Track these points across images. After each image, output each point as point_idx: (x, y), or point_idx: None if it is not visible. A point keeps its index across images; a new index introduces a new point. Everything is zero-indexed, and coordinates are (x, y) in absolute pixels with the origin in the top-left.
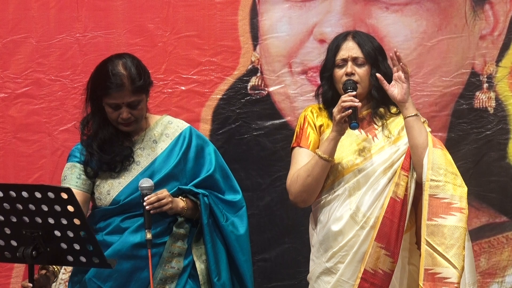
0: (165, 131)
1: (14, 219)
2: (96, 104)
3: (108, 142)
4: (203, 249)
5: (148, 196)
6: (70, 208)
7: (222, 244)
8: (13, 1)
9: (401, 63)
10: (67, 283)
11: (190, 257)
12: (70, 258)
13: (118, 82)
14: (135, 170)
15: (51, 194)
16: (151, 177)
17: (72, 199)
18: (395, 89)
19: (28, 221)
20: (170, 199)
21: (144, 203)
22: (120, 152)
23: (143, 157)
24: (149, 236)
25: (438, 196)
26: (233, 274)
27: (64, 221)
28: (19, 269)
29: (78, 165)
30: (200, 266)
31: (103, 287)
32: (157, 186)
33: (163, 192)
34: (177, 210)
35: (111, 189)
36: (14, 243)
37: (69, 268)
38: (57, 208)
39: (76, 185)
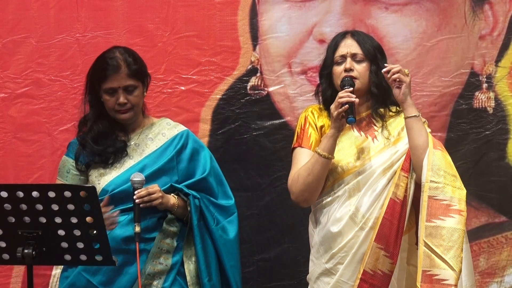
0: (162, 131)
1: (12, 220)
2: (94, 97)
3: (102, 134)
4: (193, 250)
5: (139, 190)
6: (87, 206)
7: (212, 247)
8: (13, 1)
9: (398, 72)
10: None
11: (178, 256)
12: (68, 257)
13: (114, 64)
14: (127, 163)
15: (67, 193)
16: (142, 171)
17: (92, 197)
18: (396, 89)
19: (28, 221)
20: (160, 194)
21: (134, 197)
22: (112, 144)
23: (137, 152)
24: (137, 229)
25: (438, 198)
26: (222, 277)
27: (74, 220)
28: (19, 268)
29: (70, 160)
30: (189, 266)
31: (92, 281)
32: (148, 180)
33: (154, 187)
34: (167, 206)
35: (101, 179)
36: (4, 244)
37: None
38: (70, 207)
39: (66, 180)
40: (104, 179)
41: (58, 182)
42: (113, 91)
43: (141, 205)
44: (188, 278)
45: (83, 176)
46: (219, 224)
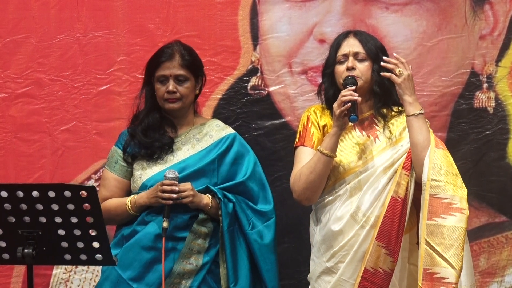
0: (210, 132)
1: (12, 220)
2: (149, 90)
3: (152, 127)
4: None
5: (166, 182)
6: (87, 206)
7: (245, 251)
8: (13, 1)
9: (392, 68)
10: (67, 283)
11: (209, 256)
12: (68, 256)
13: (169, 52)
14: (170, 161)
15: (67, 193)
16: (183, 170)
17: (92, 197)
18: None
19: (29, 221)
20: (192, 192)
21: (161, 187)
22: (160, 139)
23: (182, 151)
24: (165, 224)
25: (439, 196)
26: (257, 282)
27: (74, 220)
28: (19, 268)
29: (118, 150)
30: (223, 270)
31: (122, 275)
32: (186, 179)
33: (186, 185)
34: (199, 205)
35: (143, 173)
36: (4, 244)
37: (69, 268)
38: (71, 206)
39: (113, 170)
40: (145, 174)
41: (105, 171)
42: (164, 78)
43: (170, 202)
44: (222, 281)
45: (130, 168)
46: (255, 228)
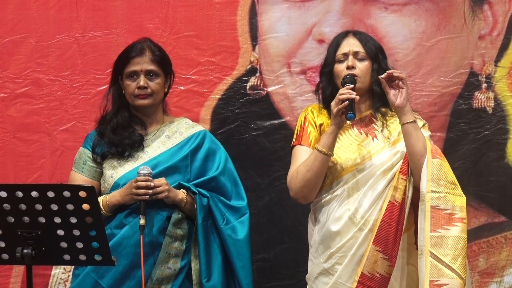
0: (180, 129)
1: (11, 220)
2: (116, 89)
3: (121, 126)
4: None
5: (141, 178)
6: (86, 206)
7: (219, 247)
8: (13, 1)
9: (396, 75)
10: (66, 283)
11: (187, 258)
12: (67, 257)
13: (139, 47)
14: (142, 158)
15: (66, 193)
16: (155, 167)
17: (91, 197)
18: (393, 96)
19: (28, 221)
20: (167, 187)
21: (136, 183)
22: (129, 136)
23: (153, 148)
24: (142, 222)
25: (440, 208)
26: (231, 278)
27: (74, 220)
28: (19, 268)
29: (87, 151)
30: (195, 266)
31: (100, 282)
32: (159, 177)
33: (161, 180)
34: (175, 200)
35: (115, 172)
36: (4, 244)
37: (68, 268)
38: (70, 207)
39: (82, 172)
40: (117, 172)
41: (73, 173)
42: (135, 74)
43: (146, 197)
44: (193, 277)
45: (99, 169)
46: (229, 224)
